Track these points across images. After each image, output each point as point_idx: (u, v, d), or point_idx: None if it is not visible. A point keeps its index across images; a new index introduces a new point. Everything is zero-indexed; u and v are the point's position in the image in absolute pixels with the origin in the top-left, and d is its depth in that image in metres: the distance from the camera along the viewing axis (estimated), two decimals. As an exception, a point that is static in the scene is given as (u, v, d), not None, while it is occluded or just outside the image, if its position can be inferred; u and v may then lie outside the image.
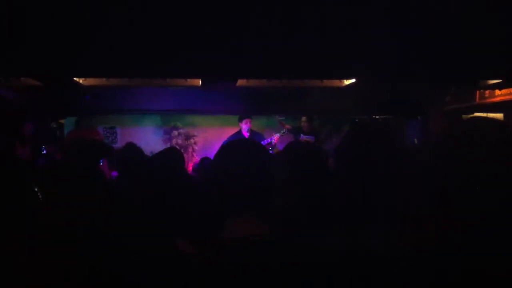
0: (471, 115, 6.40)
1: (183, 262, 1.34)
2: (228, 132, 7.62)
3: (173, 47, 4.02)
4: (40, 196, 1.95)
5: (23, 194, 1.88)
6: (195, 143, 8.53)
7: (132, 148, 3.46)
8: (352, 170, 1.79)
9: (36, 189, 2.02)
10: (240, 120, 7.25)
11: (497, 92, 5.93)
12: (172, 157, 3.68)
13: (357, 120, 7.48)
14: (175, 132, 8.46)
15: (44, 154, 5.00)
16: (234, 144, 1.69)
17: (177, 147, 7.86)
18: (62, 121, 7.03)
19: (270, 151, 6.91)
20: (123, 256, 1.42)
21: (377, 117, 7.52)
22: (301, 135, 7.41)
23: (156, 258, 1.37)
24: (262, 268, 1.27)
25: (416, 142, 6.80)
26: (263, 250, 1.32)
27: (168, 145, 7.90)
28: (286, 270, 1.27)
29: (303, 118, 7.68)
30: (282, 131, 7.37)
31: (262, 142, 7.09)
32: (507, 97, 5.81)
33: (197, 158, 8.12)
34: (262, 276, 1.25)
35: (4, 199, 1.76)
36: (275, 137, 7.21)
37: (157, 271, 1.39)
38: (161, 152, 3.71)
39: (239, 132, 7.28)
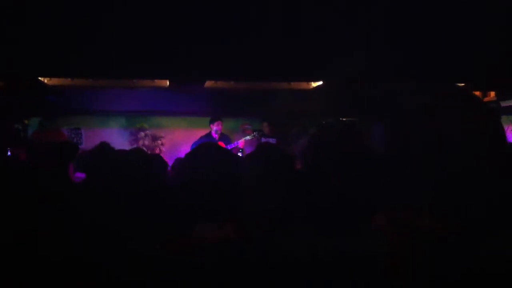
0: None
1: (156, 261, 1.35)
2: (195, 134, 7.60)
3: (145, 49, 4.00)
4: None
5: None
6: (162, 144, 8.47)
7: (105, 149, 3.40)
8: (318, 171, 1.81)
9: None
10: (211, 122, 7.26)
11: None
12: (138, 157, 3.64)
13: (324, 122, 7.57)
14: (142, 134, 8.38)
15: (9, 156, 4.87)
16: (201, 149, 1.71)
17: (144, 148, 7.79)
18: (26, 121, 6.87)
19: (239, 154, 6.95)
20: (98, 257, 1.42)
21: (344, 119, 7.63)
22: (262, 138, 7.50)
23: (131, 258, 1.37)
24: (229, 270, 1.28)
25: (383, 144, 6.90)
26: (231, 251, 1.34)
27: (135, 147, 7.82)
28: (255, 272, 1.28)
29: (264, 124, 7.96)
30: (252, 135, 7.42)
31: (229, 146, 7.12)
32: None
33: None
34: (230, 278, 1.27)
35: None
36: (241, 142, 7.25)
37: (131, 270, 1.38)
38: (125, 153, 3.67)
39: (209, 134, 7.29)
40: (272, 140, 7.33)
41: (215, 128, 7.23)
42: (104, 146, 3.68)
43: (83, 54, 3.98)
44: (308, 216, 1.67)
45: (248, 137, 7.33)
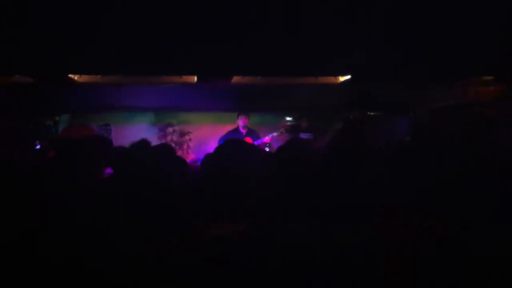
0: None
1: (157, 261, 1.36)
2: (222, 129, 7.63)
3: (168, 44, 4.03)
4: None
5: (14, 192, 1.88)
6: (190, 140, 8.53)
7: (145, 146, 3.40)
8: (345, 165, 1.80)
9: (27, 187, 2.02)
10: (237, 116, 7.29)
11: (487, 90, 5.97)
12: (163, 152, 3.67)
13: (351, 117, 7.49)
14: (170, 129, 8.46)
15: (37, 149, 4.99)
16: (230, 146, 1.72)
17: (172, 144, 7.87)
18: (57, 118, 7.01)
19: (267, 149, 6.95)
20: (117, 255, 1.43)
21: (371, 113, 7.54)
22: (301, 133, 7.46)
23: (149, 257, 1.38)
24: (230, 270, 1.28)
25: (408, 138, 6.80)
26: (231, 251, 1.34)
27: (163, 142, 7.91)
28: (255, 271, 1.28)
29: (303, 119, 7.84)
30: (279, 130, 7.39)
31: (257, 141, 7.12)
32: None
33: (192, 155, 8.12)
34: (230, 278, 1.27)
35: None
36: (267, 138, 7.23)
37: (132, 271, 1.39)
38: (153, 148, 3.70)
39: (237, 129, 7.31)
40: (307, 136, 7.28)
41: (241, 123, 7.25)
42: (143, 144, 3.71)
43: (83, 54, 4.05)
44: (309, 216, 1.66)
45: (275, 134, 7.31)
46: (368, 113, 7.38)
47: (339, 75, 5.61)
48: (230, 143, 1.81)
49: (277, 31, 3.71)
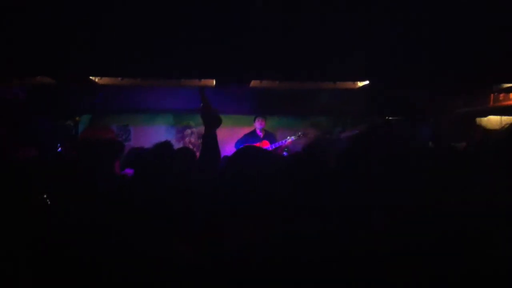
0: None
1: (183, 262, 1.38)
2: (239, 131, 7.64)
3: (168, 45, 4.06)
4: (46, 196, 1.98)
5: (26, 193, 1.92)
6: (208, 142, 8.57)
7: (162, 148, 3.44)
8: (358, 171, 1.81)
9: (41, 189, 2.05)
10: (254, 119, 7.28)
11: (511, 95, 5.91)
12: (184, 157, 3.71)
13: (367, 124, 7.45)
14: (188, 131, 8.52)
15: (59, 152, 5.06)
16: (245, 153, 1.74)
17: (190, 145, 7.93)
18: (78, 118, 7.12)
19: (285, 153, 6.91)
20: (129, 256, 1.45)
21: (389, 118, 7.49)
22: None
23: (159, 258, 1.40)
24: (232, 270, 1.30)
25: (430, 145, 6.75)
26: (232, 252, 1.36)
27: (181, 144, 7.98)
28: (256, 272, 1.30)
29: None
30: (297, 135, 7.32)
31: (275, 144, 7.10)
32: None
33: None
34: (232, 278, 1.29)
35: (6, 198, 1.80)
36: (288, 141, 7.18)
37: (160, 271, 1.41)
38: (174, 152, 3.74)
39: (254, 132, 7.31)
40: None
41: (258, 126, 7.23)
42: (166, 145, 3.74)
43: (129, 54, 4.10)
44: (310, 216, 1.67)
45: (292, 137, 7.27)
46: (387, 118, 7.35)
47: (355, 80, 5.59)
48: (248, 150, 1.84)
49: (277, 31, 3.72)
